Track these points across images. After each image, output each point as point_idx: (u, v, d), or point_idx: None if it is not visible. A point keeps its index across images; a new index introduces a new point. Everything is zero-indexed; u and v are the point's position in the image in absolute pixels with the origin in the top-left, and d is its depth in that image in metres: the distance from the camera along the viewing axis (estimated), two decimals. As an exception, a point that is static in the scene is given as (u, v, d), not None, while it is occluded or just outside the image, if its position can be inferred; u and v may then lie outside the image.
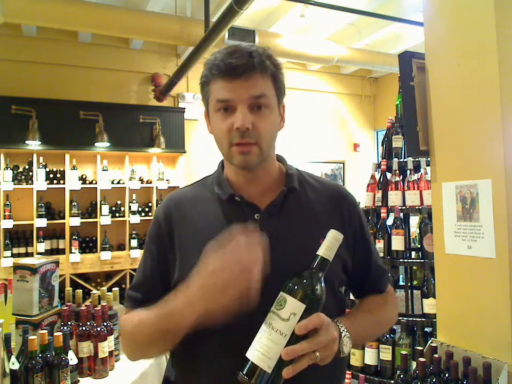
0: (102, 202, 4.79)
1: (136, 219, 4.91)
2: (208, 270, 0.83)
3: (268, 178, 1.04)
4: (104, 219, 4.76)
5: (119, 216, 4.96)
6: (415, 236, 2.83)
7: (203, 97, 1.02)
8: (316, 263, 0.84)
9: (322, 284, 0.83)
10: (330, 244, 0.85)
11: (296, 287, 0.80)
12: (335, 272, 0.98)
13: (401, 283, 2.79)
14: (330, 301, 0.85)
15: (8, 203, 4.42)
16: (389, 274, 2.49)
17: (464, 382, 1.49)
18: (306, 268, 0.84)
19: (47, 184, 4.56)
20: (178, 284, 0.98)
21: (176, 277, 0.99)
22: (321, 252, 0.85)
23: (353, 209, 1.08)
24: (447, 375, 1.53)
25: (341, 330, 0.88)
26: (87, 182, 4.86)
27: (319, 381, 0.94)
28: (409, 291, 2.60)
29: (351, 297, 2.32)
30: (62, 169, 4.73)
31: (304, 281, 0.81)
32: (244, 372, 0.78)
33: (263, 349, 0.78)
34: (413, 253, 2.67)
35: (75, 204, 4.66)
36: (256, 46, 0.98)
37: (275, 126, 1.01)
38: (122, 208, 4.99)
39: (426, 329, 2.41)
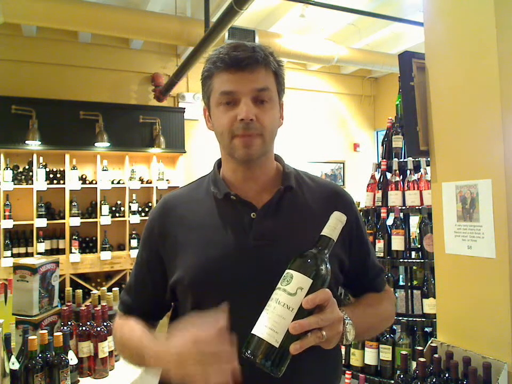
0: (102, 202, 4.79)
1: (136, 219, 4.91)
2: (184, 350, 0.80)
3: (265, 177, 1.04)
4: (104, 219, 4.76)
5: (119, 216, 4.96)
6: (415, 236, 2.83)
7: (204, 91, 1.02)
8: (320, 242, 0.85)
9: (328, 262, 0.83)
10: (333, 224, 0.85)
11: (302, 263, 0.81)
12: (332, 270, 0.98)
13: (401, 283, 2.79)
14: None
15: (8, 203, 4.42)
16: (389, 274, 2.49)
17: (464, 382, 1.49)
18: (312, 247, 0.84)
19: (47, 184, 4.57)
20: (177, 284, 0.99)
21: (174, 277, 0.99)
22: (325, 231, 0.85)
23: (349, 208, 1.08)
24: (447, 375, 1.53)
25: (344, 317, 0.87)
26: (87, 182, 4.87)
27: (316, 376, 0.95)
28: (409, 291, 2.60)
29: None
30: (62, 169, 4.73)
31: (310, 257, 0.82)
32: (250, 351, 0.77)
33: (270, 323, 0.77)
34: (413, 253, 2.66)
35: (75, 203, 4.66)
36: (258, 44, 1.00)
37: (276, 120, 1.01)
38: (122, 208, 4.99)
39: (426, 329, 2.41)
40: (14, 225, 4.43)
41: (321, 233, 0.85)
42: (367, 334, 1.07)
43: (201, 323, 0.81)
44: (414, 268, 2.65)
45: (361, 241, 1.10)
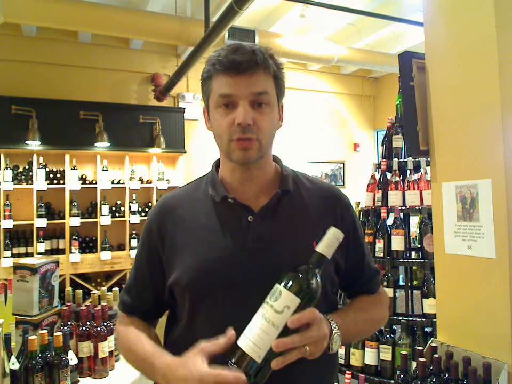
0: (102, 202, 4.79)
1: (136, 219, 4.91)
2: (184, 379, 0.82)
3: (263, 179, 1.04)
4: (104, 219, 4.76)
5: (119, 216, 4.96)
6: (415, 236, 2.83)
7: (204, 92, 1.02)
8: (313, 259, 0.84)
9: (319, 280, 0.83)
10: (329, 242, 0.85)
11: (292, 281, 0.81)
12: (327, 273, 0.98)
13: (401, 283, 2.79)
14: (321, 302, 0.86)
15: (8, 203, 4.42)
16: (389, 274, 2.49)
17: (464, 382, 1.49)
18: (304, 263, 0.84)
19: (47, 184, 4.57)
20: (175, 285, 1.00)
21: (172, 278, 1.00)
22: (319, 248, 0.85)
23: (346, 210, 1.09)
24: (447, 375, 1.53)
25: (332, 327, 0.89)
26: (87, 182, 4.87)
27: (309, 377, 0.95)
28: (409, 291, 2.59)
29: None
30: (62, 169, 4.73)
31: (301, 276, 0.82)
32: (233, 360, 0.79)
33: (254, 338, 0.78)
34: (413, 253, 2.66)
35: (75, 204, 4.66)
36: (258, 45, 0.99)
37: (274, 123, 1.01)
38: (122, 208, 4.99)
39: (426, 329, 2.40)
40: (14, 225, 4.43)
41: (316, 249, 0.85)
42: (357, 339, 1.08)
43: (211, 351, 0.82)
44: (414, 268, 2.65)
45: (358, 243, 1.10)
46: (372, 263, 1.15)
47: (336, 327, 0.89)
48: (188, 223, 1.02)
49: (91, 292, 2.07)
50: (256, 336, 0.78)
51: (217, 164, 1.10)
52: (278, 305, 0.79)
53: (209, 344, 0.83)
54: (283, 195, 1.02)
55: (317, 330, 0.81)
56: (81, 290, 1.99)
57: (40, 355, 1.47)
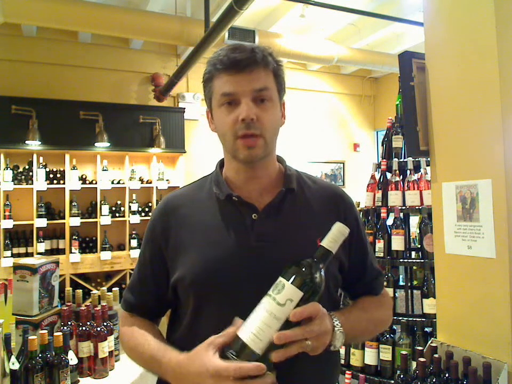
0: (102, 202, 4.79)
1: (136, 219, 4.91)
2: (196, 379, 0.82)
3: (267, 178, 1.05)
4: (104, 219, 4.76)
5: (119, 216, 4.96)
6: (415, 236, 2.83)
7: (206, 93, 1.03)
8: (318, 253, 0.84)
9: (323, 274, 0.83)
10: (334, 236, 0.85)
11: (296, 274, 0.81)
12: (331, 272, 0.99)
13: (401, 283, 2.79)
14: (324, 300, 0.86)
15: (8, 203, 4.41)
16: (389, 274, 2.49)
17: (464, 382, 1.49)
18: (309, 257, 0.84)
19: (47, 184, 4.57)
20: (178, 283, 1.00)
21: (176, 276, 1.00)
22: (324, 242, 0.85)
23: (349, 210, 1.09)
24: (447, 375, 1.53)
25: (335, 324, 0.88)
26: (87, 182, 4.86)
27: (309, 377, 0.95)
28: (409, 291, 2.60)
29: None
30: (62, 169, 4.73)
31: (304, 269, 0.81)
32: (234, 351, 0.78)
33: (255, 330, 0.78)
34: (413, 253, 2.66)
35: (75, 204, 4.66)
36: (257, 45, 1.01)
37: (277, 119, 1.02)
38: (122, 208, 4.99)
39: (426, 329, 2.41)
40: (14, 225, 4.43)
41: (321, 244, 0.85)
42: (360, 339, 1.07)
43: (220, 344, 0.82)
44: (414, 268, 2.65)
45: (361, 243, 1.11)
46: (375, 264, 1.15)
47: (339, 324, 0.89)
48: (192, 222, 1.03)
49: (91, 292, 2.07)
50: (258, 328, 0.78)
51: (221, 163, 1.11)
52: (280, 298, 0.79)
53: (218, 336, 0.83)
54: (287, 194, 1.03)
55: (319, 325, 0.81)
56: (81, 290, 1.99)
57: (40, 355, 1.47)
